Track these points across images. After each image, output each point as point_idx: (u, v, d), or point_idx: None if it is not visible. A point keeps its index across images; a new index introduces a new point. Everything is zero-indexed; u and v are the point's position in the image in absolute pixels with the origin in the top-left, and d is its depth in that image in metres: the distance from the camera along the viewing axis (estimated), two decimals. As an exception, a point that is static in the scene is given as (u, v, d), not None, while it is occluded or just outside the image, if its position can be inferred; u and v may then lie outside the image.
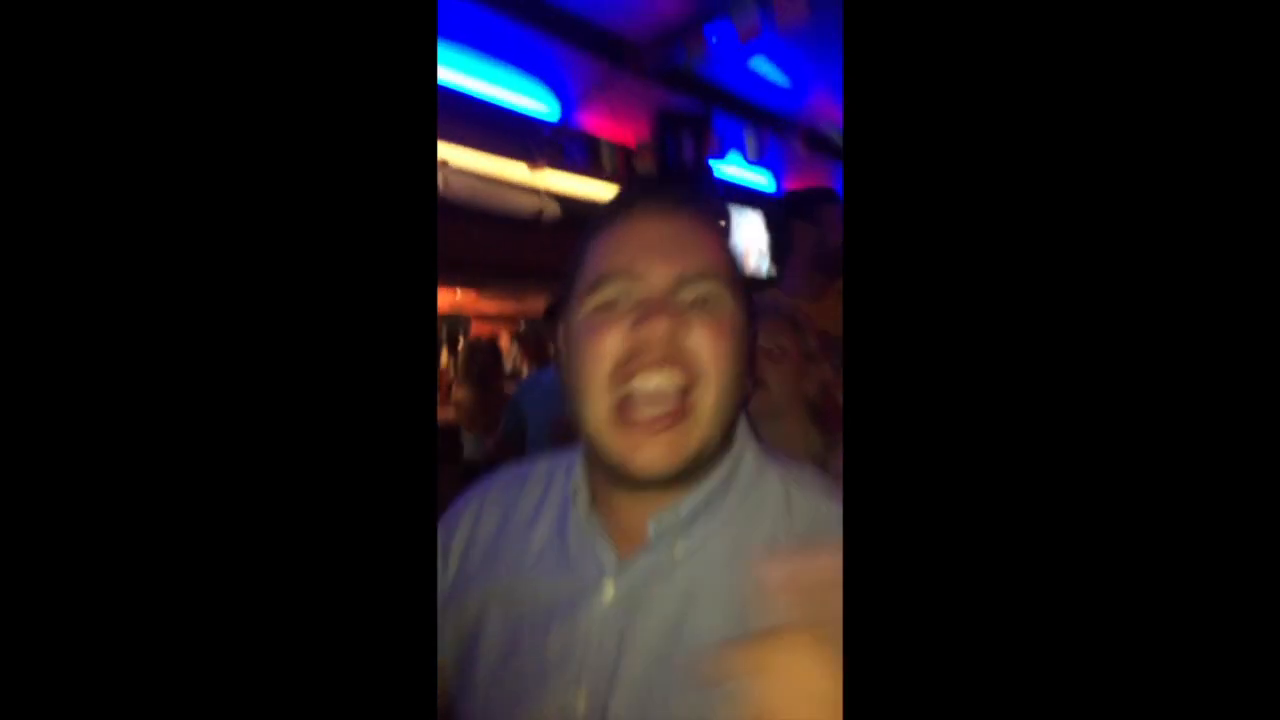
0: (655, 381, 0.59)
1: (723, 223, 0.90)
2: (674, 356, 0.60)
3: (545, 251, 4.13)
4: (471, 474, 2.91)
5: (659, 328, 0.59)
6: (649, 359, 0.59)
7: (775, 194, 5.56)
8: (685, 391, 0.60)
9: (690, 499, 0.63)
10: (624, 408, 0.60)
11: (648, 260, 0.61)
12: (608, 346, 0.60)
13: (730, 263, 0.66)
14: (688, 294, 0.62)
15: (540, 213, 4.17)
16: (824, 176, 5.93)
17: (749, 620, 0.50)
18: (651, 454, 0.59)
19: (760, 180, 5.51)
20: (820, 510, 0.66)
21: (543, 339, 4.00)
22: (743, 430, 0.69)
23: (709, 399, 0.60)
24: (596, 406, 0.61)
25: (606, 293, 0.62)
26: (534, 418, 2.74)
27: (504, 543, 0.71)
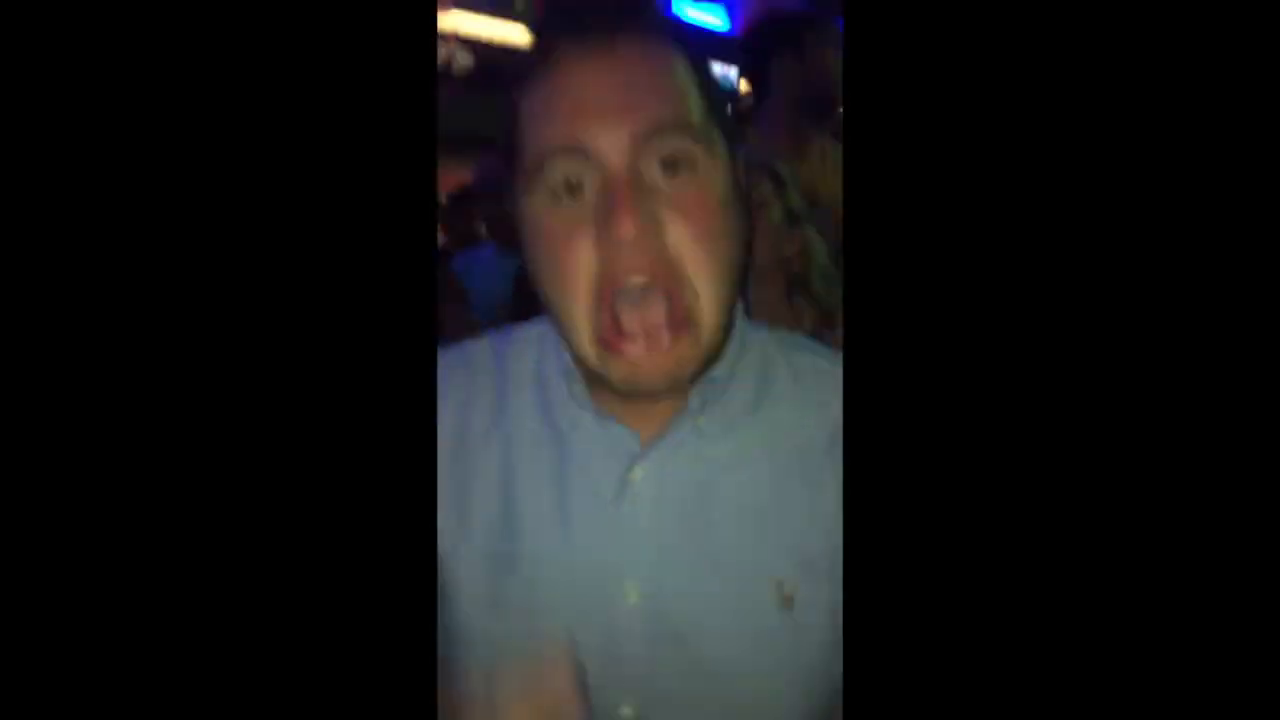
0: (640, 297, 0.51)
1: (678, 47, 0.58)
2: (656, 260, 0.51)
3: (458, 112, 3.54)
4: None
5: (626, 228, 0.49)
6: (627, 268, 0.50)
7: (729, 33, 4.87)
8: (678, 297, 0.52)
9: (710, 378, 0.59)
10: (612, 325, 0.52)
11: (592, 125, 0.50)
12: (577, 261, 0.51)
13: (701, 103, 0.53)
14: (652, 159, 0.51)
15: (449, 64, 3.59)
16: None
17: (774, 491, 0.58)
18: (655, 372, 0.53)
19: (710, 20, 4.82)
20: (822, 372, 0.63)
21: (470, 215, 3.55)
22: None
23: (708, 303, 0.53)
24: (580, 328, 0.53)
25: (553, 176, 0.51)
26: (476, 299, 2.50)
27: (474, 433, 0.65)
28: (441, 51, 3.57)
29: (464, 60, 3.63)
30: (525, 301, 0.74)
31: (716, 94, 0.55)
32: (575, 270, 0.51)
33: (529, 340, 0.66)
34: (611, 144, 0.50)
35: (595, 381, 0.57)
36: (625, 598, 0.57)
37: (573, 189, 0.51)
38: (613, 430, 0.59)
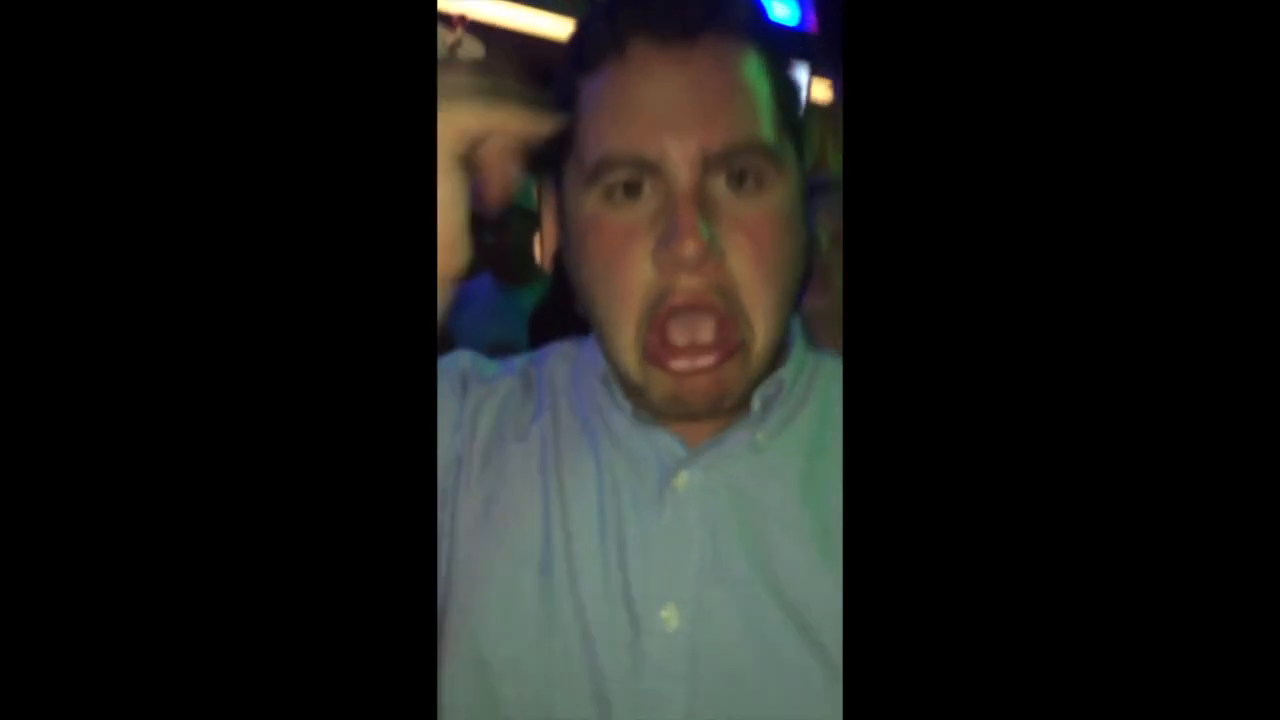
0: (693, 322, 0.51)
1: (759, 49, 0.52)
2: (713, 281, 0.50)
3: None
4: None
5: (690, 249, 0.48)
6: (684, 288, 0.50)
7: (799, 27, 4.20)
8: (731, 318, 0.51)
9: (765, 392, 0.58)
10: (660, 340, 0.52)
11: (663, 137, 0.49)
12: (631, 272, 0.51)
13: (777, 115, 0.52)
14: (720, 176, 0.50)
15: (454, 48, 3.11)
16: None
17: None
18: (697, 392, 0.52)
19: (780, 10, 4.19)
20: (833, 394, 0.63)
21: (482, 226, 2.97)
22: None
23: (761, 325, 0.52)
24: (624, 340, 0.53)
25: (617, 188, 0.51)
26: (464, 339, 1.94)
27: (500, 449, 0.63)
28: (447, 37, 3.01)
29: (472, 48, 3.06)
30: (539, 343, 0.74)
31: (792, 101, 0.54)
32: (629, 281, 0.51)
33: (563, 353, 0.66)
34: (681, 159, 0.49)
35: (635, 395, 0.56)
36: (666, 623, 0.53)
37: (631, 189, 0.51)
38: (656, 435, 0.57)
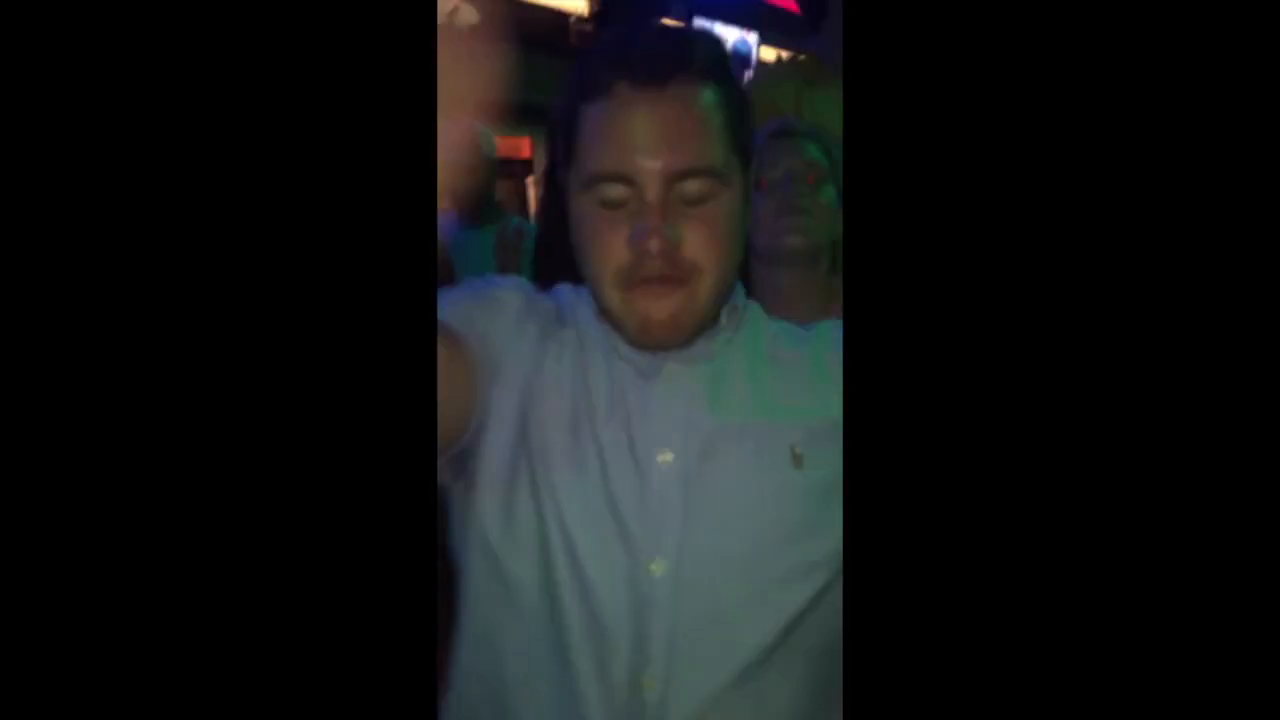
0: (654, 287, 0.67)
1: (720, 85, 0.71)
2: (670, 265, 0.66)
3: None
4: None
5: (655, 245, 0.65)
6: (647, 272, 0.66)
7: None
8: (689, 279, 0.67)
9: (701, 344, 0.71)
10: (628, 298, 0.67)
11: (637, 162, 0.65)
12: (610, 253, 0.67)
13: (729, 141, 0.68)
14: (680, 192, 0.66)
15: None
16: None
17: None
18: (661, 318, 0.66)
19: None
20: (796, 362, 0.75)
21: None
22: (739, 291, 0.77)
23: (705, 288, 0.68)
24: (606, 293, 0.68)
25: (604, 194, 0.67)
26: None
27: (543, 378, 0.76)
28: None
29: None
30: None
31: (742, 124, 0.70)
32: (610, 258, 0.67)
33: (563, 290, 0.80)
34: (649, 178, 0.65)
35: (617, 329, 0.71)
36: (662, 463, 0.68)
37: (612, 203, 0.66)
38: (636, 355, 0.71)
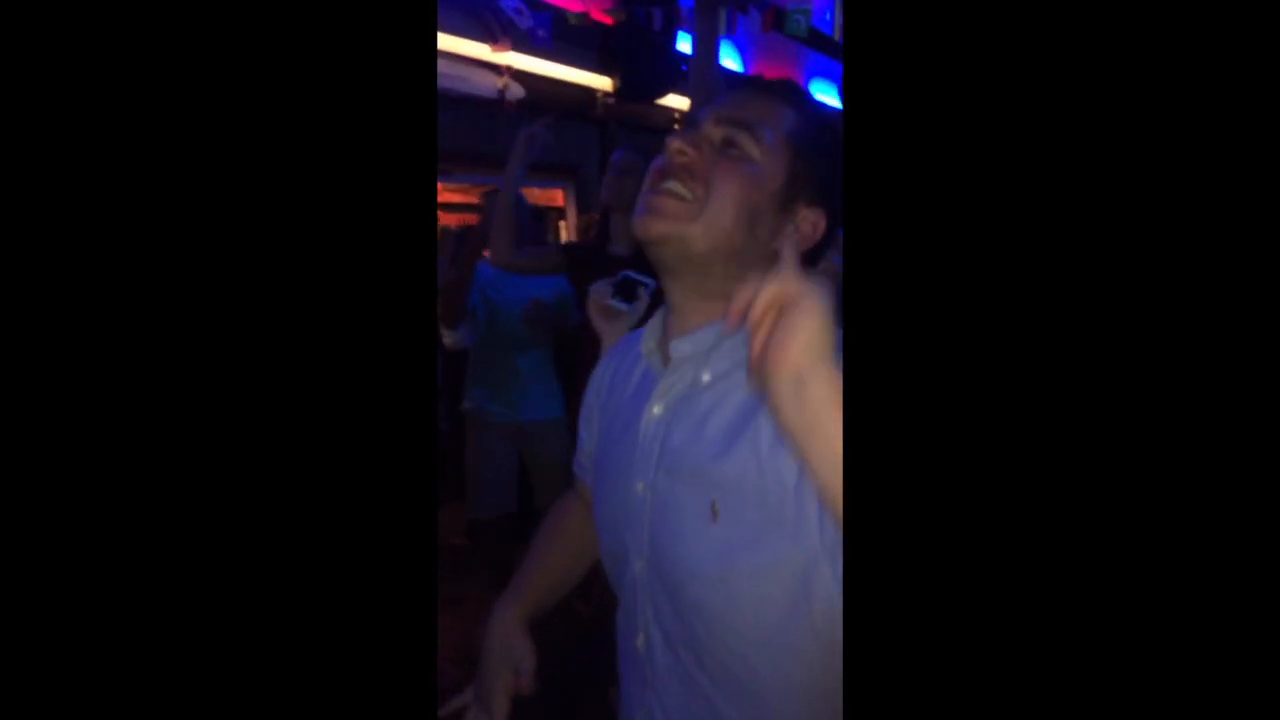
0: (667, 172, 0.72)
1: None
2: (690, 168, 0.71)
3: (510, 133, 4.15)
4: (457, 361, 2.88)
5: (680, 142, 0.72)
6: (670, 165, 0.72)
7: (743, 74, 5.40)
8: (691, 186, 0.71)
9: (706, 331, 0.75)
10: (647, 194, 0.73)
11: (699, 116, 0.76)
12: (655, 169, 0.74)
13: (771, 135, 0.73)
14: (719, 131, 0.73)
15: (503, 92, 4.09)
16: (791, 63, 5.68)
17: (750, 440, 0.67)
18: (657, 217, 0.70)
19: (728, 63, 5.32)
20: None
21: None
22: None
23: (713, 204, 0.70)
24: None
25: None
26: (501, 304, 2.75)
27: (609, 376, 0.93)
28: (497, 82, 4.15)
29: (516, 91, 4.20)
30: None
31: (816, 159, 0.75)
32: (651, 173, 0.74)
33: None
34: (706, 118, 0.75)
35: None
36: (636, 489, 0.77)
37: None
38: (657, 369, 0.81)
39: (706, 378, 0.74)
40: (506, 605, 0.88)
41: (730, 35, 4.99)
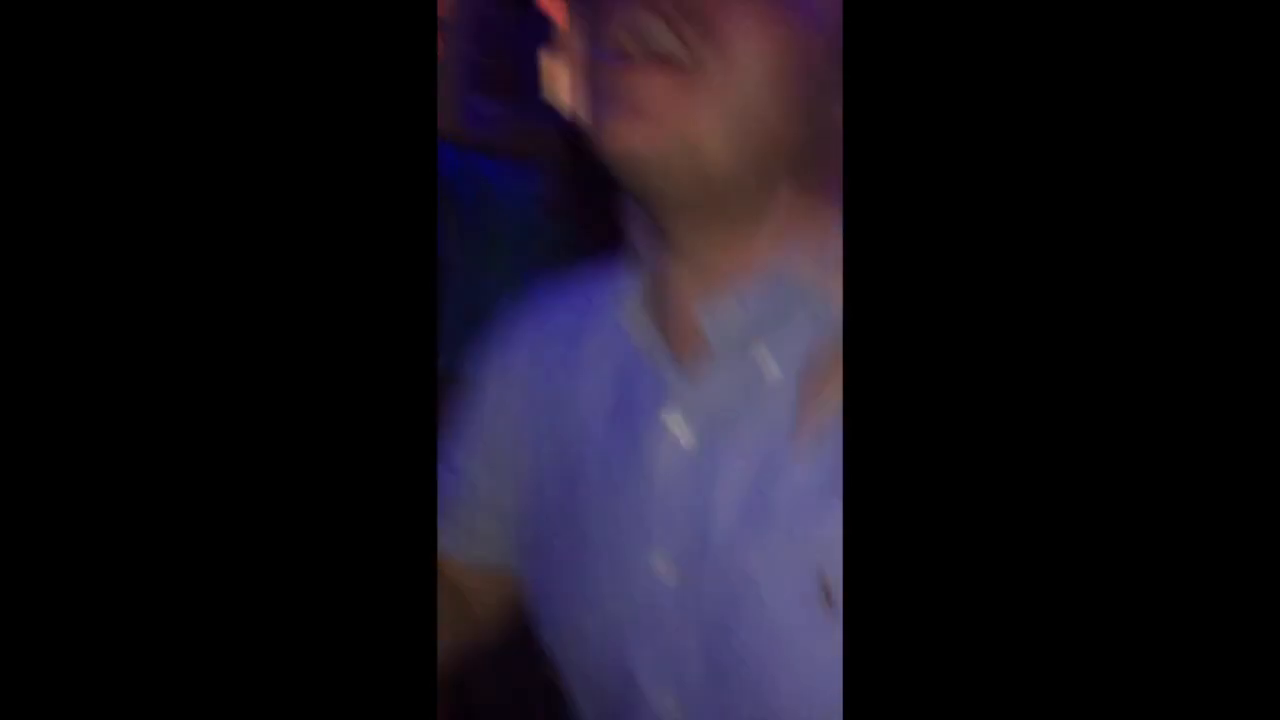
0: (653, 25, 0.42)
1: None
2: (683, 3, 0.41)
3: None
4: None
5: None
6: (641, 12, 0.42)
7: None
8: (691, 49, 0.42)
9: (760, 283, 0.46)
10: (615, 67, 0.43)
11: None
12: None
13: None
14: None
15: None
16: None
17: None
18: (631, 125, 0.42)
19: None
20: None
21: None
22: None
23: (725, 73, 0.42)
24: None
25: None
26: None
27: (541, 372, 0.58)
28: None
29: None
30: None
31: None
32: None
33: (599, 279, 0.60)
34: None
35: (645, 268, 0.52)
36: (655, 568, 0.49)
37: None
38: (656, 357, 0.51)
39: (776, 370, 0.47)
40: None
41: None
